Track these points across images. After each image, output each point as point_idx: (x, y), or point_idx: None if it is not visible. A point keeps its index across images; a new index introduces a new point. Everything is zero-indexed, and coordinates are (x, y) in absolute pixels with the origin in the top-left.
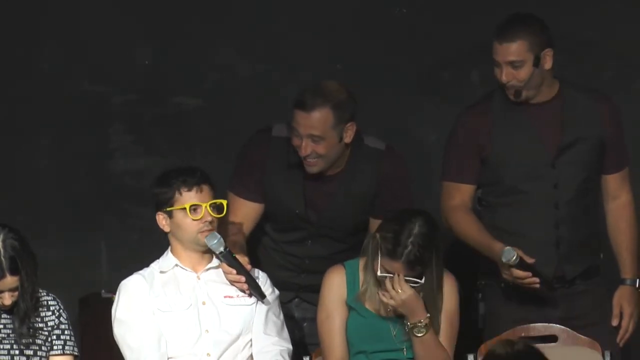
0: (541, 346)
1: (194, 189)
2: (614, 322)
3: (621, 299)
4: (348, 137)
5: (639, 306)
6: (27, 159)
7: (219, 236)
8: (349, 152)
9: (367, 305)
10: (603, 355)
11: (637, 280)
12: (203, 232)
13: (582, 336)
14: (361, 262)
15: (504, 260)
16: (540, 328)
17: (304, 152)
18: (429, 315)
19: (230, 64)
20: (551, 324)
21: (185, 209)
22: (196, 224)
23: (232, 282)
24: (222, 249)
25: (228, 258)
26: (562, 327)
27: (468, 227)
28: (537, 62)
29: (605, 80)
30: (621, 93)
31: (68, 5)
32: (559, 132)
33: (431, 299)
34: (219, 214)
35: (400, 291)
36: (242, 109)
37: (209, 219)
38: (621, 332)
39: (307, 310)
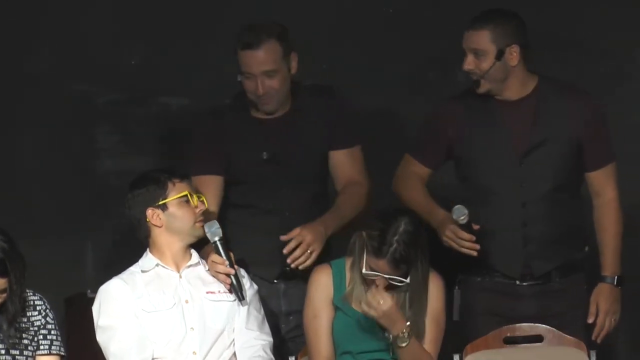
0: (527, 346)
1: (185, 180)
2: (590, 320)
3: (598, 296)
4: (294, 68)
5: (617, 303)
6: (12, 159)
7: (217, 224)
8: (291, 90)
9: (354, 305)
10: (589, 356)
11: (616, 277)
12: (199, 221)
13: (568, 336)
14: (347, 262)
15: (454, 217)
16: (525, 328)
17: (261, 90)
18: (409, 323)
19: (217, 64)
20: (537, 324)
21: (185, 195)
22: (192, 212)
23: (216, 274)
24: (217, 238)
25: (222, 248)
26: (548, 327)
27: (415, 192)
28: (499, 56)
29: (596, 80)
30: (612, 92)
31: (55, 6)
32: (529, 131)
33: (416, 299)
34: (205, 207)
35: (381, 302)
36: None
37: (203, 207)
38: (596, 329)
39: (294, 302)
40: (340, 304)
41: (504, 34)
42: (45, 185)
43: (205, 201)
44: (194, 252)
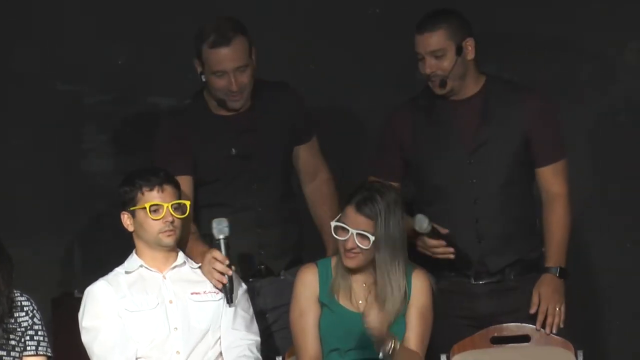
0: (514, 346)
1: (156, 188)
2: (532, 309)
3: (539, 285)
4: (255, 61)
5: (558, 294)
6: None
7: (226, 222)
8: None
9: (340, 300)
10: (576, 355)
11: (559, 269)
12: (164, 232)
13: (555, 336)
14: (333, 260)
15: (416, 228)
16: (512, 328)
17: (235, 86)
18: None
19: None
20: (524, 324)
21: (151, 206)
22: (157, 224)
23: (212, 271)
24: (223, 236)
25: (225, 247)
26: (535, 327)
27: None
28: (459, 51)
29: (587, 80)
30: (596, 94)
31: (41, 5)
32: (476, 129)
33: (385, 273)
34: (182, 215)
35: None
36: None
37: (170, 219)
38: (539, 316)
39: (269, 301)
40: (326, 301)
41: (458, 29)
42: (32, 185)
43: (186, 207)
44: (180, 253)
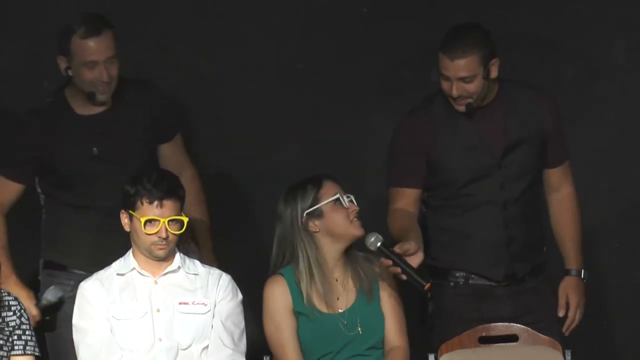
0: (502, 346)
1: (155, 202)
2: (560, 313)
3: (567, 289)
4: (119, 67)
5: (584, 297)
6: None
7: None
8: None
9: (317, 304)
10: (564, 355)
11: (582, 270)
12: (157, 245)
13: (543, 335)
14: (296, 269)
15: (366, 243)
16: (500, 328)
17: (106, 77)
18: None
19: (191, 63)
20: (511, 324)
21: (145, 220)
22: (151, 237)
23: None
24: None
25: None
26: (523, 326)
27: (393, 228)
28: (486, 74)
29: (571, 79)
30: (582, 93)
31: (26, 3)
32: (503, 133)
33: None
34: (179, 230)
35: None
36: (201, 109)
37: (164, 235)
38: (567, 322)
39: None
40: (303, 310)
41: (486, 52)
42: None
43: (183, 222)
44: (177, 257)
